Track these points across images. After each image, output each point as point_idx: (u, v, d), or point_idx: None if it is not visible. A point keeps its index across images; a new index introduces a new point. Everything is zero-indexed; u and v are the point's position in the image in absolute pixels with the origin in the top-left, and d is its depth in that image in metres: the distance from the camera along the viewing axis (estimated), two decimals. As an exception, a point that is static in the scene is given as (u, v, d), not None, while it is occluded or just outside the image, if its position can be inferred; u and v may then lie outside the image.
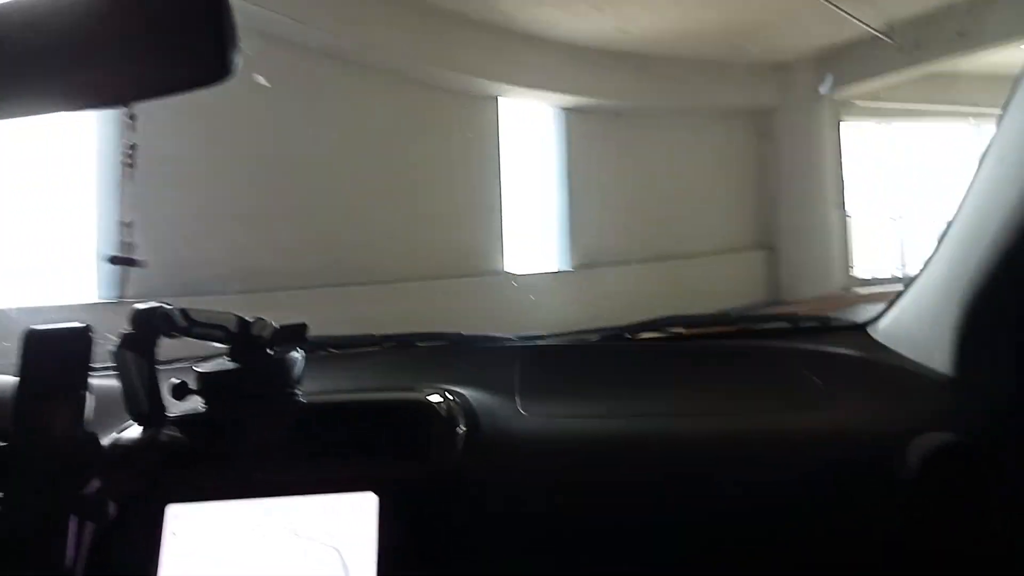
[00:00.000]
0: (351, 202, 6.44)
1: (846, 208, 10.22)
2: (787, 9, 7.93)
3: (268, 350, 0.80)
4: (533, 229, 8.83)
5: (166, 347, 0.77)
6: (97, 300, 4.37)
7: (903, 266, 10.99)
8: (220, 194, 5.34)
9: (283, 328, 0.81)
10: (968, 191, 0.86)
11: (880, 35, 8.43)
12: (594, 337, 1.16)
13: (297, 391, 0.82)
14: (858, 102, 10.16)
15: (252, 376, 0.80)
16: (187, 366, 0.82)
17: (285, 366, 0.81)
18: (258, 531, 0.71)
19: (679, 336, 1.15)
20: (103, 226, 4.67)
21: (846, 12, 7.57)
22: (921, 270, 0.97)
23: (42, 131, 4.39)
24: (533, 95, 8.51)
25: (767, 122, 10.24)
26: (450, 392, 0.88)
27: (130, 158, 0.69)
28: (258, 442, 0.78)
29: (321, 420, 0.82)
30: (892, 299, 1.05)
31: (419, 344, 1.15)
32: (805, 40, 9.02)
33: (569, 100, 8.79)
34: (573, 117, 9.00)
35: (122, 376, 0.72)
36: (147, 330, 0.73)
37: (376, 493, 0.72)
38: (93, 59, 0.59)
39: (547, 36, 8.12)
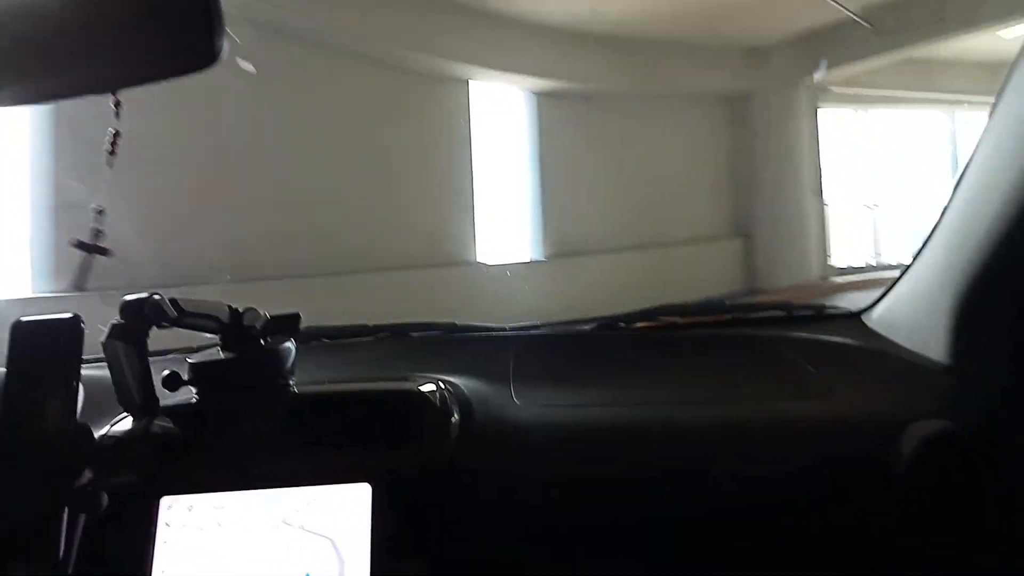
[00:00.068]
0: (314, 189, 6.39)
1: (823, 196, 10.39)
2: (763, -9, 8.04)
3: (261, 340, 0.81)
4: (505, 217, 8.82)
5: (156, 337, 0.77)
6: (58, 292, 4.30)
7: (878, 255, 11.24)
8: (179, 181, 5.27)
9: (275, 318, 0.81)
10: (962, 177, 0.88)
11: (858, 18, 8.56)
12: (588, 326, 1.18)
13: (290, 381, 0.83)
14: (835, 88, 10.31)
15: (245, 366, 0.81)
16: (179, 357, 0.82)
17: (278, 356, 0.82)
18: (252, 522, 0.72)
19: (673, 325, 1.17)
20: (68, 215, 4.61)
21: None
22: (915, 257, 0.99)
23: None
24: (504, 78, 8.50)
25: (743, 108, 10.36)
26: (444, 382, 0.89)
27: (113, 146, 0.68)
28: (251, 433, 0.79)
29: (314, 410, 0.83)
30: (887, 287, 1.08)
31: (412, 334, 1.16)
32: (782, 24, 9.12)
33: (541, 84, 8.79)
34: (545, 101, 9.01)
35: (113, 367, 0.72)
36: (138, 320, 0.73)
37: (370, 483, 0.73)
38: (80, 47, 0.60)
39: (518, 17, 8.11)
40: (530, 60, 8.31)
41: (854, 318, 1.13)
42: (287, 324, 0.82)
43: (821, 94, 10.37)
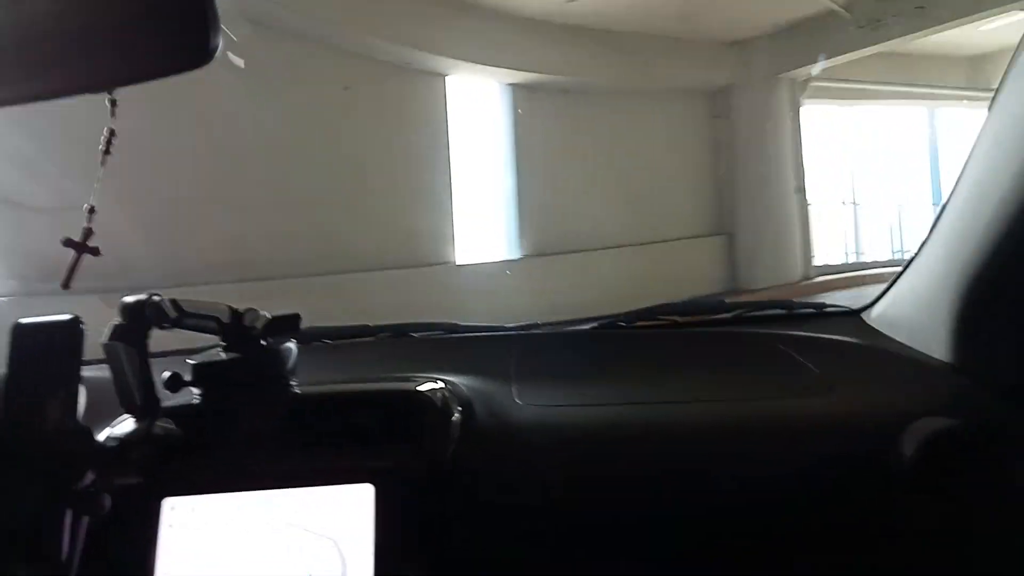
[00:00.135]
0: (284, 186, 6.32)
1: (806, 193, 10.48)
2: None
3: (261, 341, 0.82)
4: (482, 215, 8.81)
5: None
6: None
7: (858, 253, 11.40)
8: (146, 178, 5.18)
9: (276, 318, 0.82)
10: (962, 174, 0.91)
11: (839, 9, 8.67)
12: (589, 326, 1.20)
13: (292, 382, 0.85)
14: (816, 83, 10.41)
15: (246, 367, 0.82)
16: (180, 358, 0.83)
17: (279, 356, 0.83)
18: (254, 523, 0.74)
19: (674, 324, 1.20)
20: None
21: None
22: (915, 254, 1.02)
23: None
24: (479, 70, 8.47)
25: (724, 102, 10.43)
26: (446, 382, 0.91)
27: (108, 145, 0.69)
28: (253, 433, 0.80)
29: (316, 411, 0.84)
30: (888, 284, 1.11)
31: (414, 334, 1.18)
32: (763, 16, 9.19)
33: (518, 76, 8.78)
34: (522, 94, 9.00)
35: (114, 368, 0.73)
36: (138, 321, 0.74)
37: (372, 484, 0.74)
38: (75, 45, 0.62)
39: (496, 7, 8.09)
40: (507, 52, 8.29)
41: (855, 316, 1.16)
42: (288, 324, 0.83)
43: (802, 88, 10.46)
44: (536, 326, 1.21)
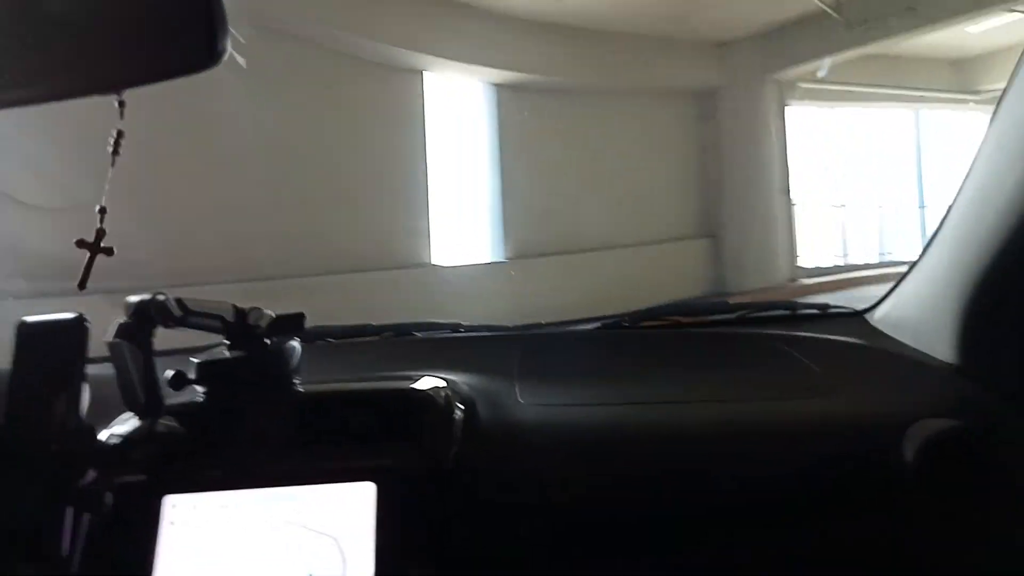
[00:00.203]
0: (259, 187, 6.27)
1: (791, 195, 10.56)
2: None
3: (266, 340, 0.83)
4: (463, 216, 8.80)
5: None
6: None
7: (844, 255, 11.52)
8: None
9: (280, 317, 0.84)
10: (967, 176, 0.93)
11: (828, 9, 8.76)
12: (593, 326, 1.22)
13: (295, 380, 0.86)
14: (802, 84, 10.52)
15: (250, 365, 0.83)
16: (184, 356, 0.83)
17: (283, 355, 0.84)
18: (256, 521, 0.75)
19: (677, 324, 1.21)
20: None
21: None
22: (920, 256, 1.04)
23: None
24: (460, 69, 8.47)
25: (710, 103, 10.50)
26: (448, 381, 0.92)
27: (116, 146, 0.70)
28: (256, 432, 0.81)
29: (319, 409, 0.85)
30: (892, 286, 1.13)
31: (417, 334, 1.19)
32: (750, 17, 9.27)
33: (500, 75, 8.79)
34: (506, 94, 9.00)
35: (118, 367, 0.73)
36: (143, 320, 0.75)
37: (374, 482, 0.75)
38: (84, 47, 0.64)
39: (477, 4, 8.09)
40: (490, 50, 8.29)
41: (858, 317, 1.18)
42: (292, 323, 0.84)
43: (788, 90, 10.56)
44: (539, 326, 1.22)
